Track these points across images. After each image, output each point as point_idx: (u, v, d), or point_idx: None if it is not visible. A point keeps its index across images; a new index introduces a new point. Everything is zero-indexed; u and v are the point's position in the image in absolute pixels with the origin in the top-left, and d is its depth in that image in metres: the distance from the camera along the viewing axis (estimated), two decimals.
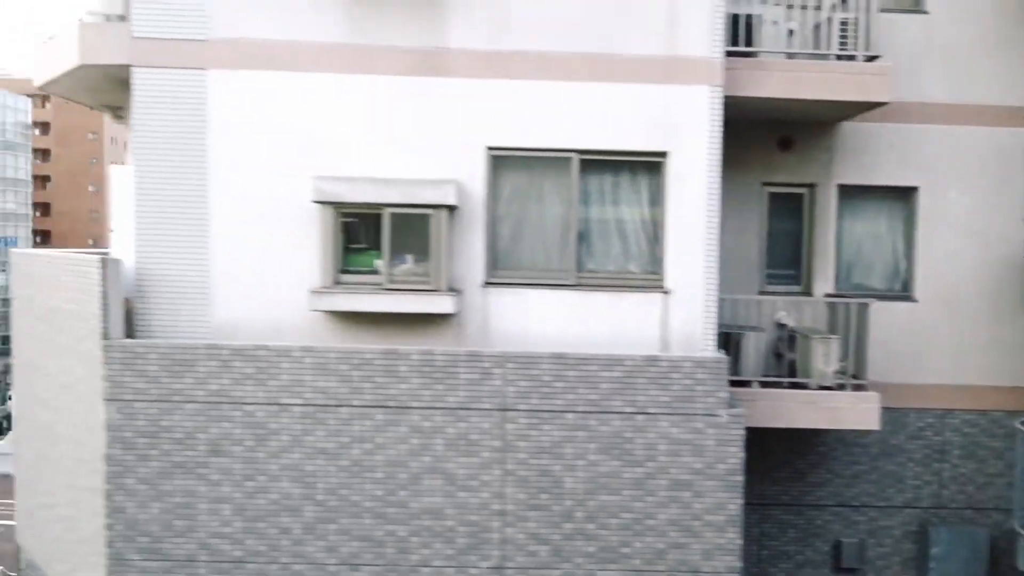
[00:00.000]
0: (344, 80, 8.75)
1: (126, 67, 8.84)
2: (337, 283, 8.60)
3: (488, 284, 8.86)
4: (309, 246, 8.80)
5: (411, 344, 8.68)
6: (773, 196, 10.81)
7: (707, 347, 8.87)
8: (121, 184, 8.94)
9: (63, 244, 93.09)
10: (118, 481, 8.47)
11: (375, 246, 8.71)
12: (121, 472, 8.47)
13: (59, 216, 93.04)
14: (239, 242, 8.80)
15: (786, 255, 10.94)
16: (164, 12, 8.68)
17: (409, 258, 8.66)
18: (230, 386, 8.43)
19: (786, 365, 10.28)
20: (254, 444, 8.47)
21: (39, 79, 9.88)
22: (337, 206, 8.55)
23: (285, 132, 8.77)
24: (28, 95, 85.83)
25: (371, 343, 8.71)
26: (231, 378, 8.43)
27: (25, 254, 10.61)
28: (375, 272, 8.66)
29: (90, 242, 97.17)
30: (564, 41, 8.74)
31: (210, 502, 8.50)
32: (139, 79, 8.71)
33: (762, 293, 10.72)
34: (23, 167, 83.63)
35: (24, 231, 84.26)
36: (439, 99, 8.75)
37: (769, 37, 9.80)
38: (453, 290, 8.65)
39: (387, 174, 8.72)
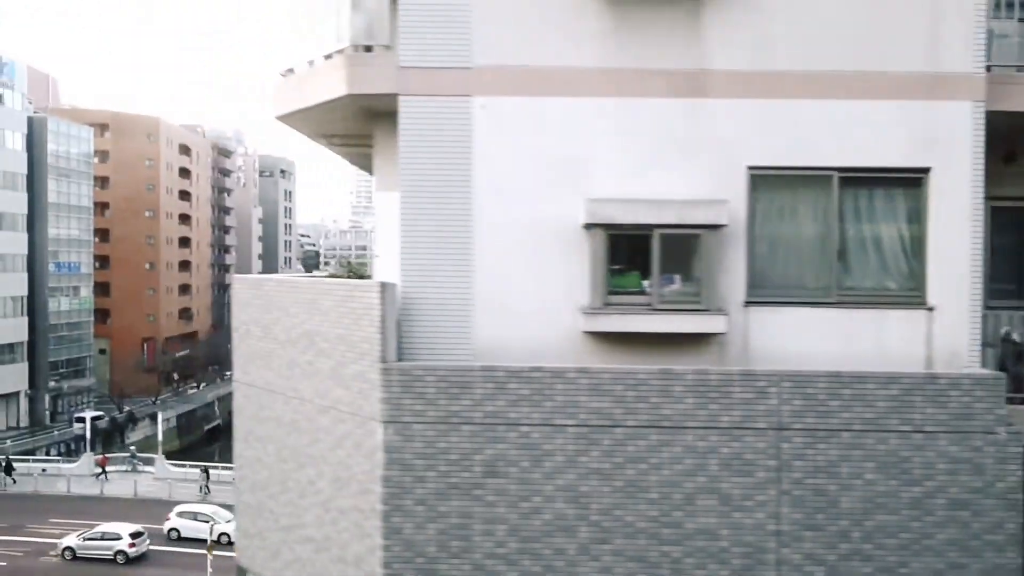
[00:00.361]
0: (606, 103, 8.87)
1: (383, 96, 9.06)
2: (607, 304, 8.67)
3: (749, 303, 8.88)
4: (571, 268, 8.90)
5: (671, 364, 8.71)
6: (996, 210, 10.69)
7: (972, 363, 8.80)
8: (386, 210, 9.11)
9: (121, 269, 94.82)
10: (396, 502, 8.57)
11: (638, 267, 8.79)
12: (399, 493, 8.57)
13: (117, 242, 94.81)
14: (502, 265, 8.93)
15: (1009, 269, 10.83)
16: (430, 41, 8.87)
17: (676, 278, 8.72)
18: (505, 407, 8.51)
19: (1014, 380, 10.14)
20: (529, 465, 8.53)
21: (279, 110, 10.11)
22: (607, 228, 8.64)
23: (548, 156, 8.90)
24: (90, 124, 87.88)
25: (631, 363, 8.76)
26: (506, 399, 8.51)
27: (256, 280, 10.84)
28: (642, 293, 8.73)
29: (147, 266, 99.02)
30: (824, 60, 8.79)
31: (485, 523, 8.56)
32: (406, 107, 8.90)
33: (987, 308, 10.59)
34: (85, 194, 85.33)
35: (86, 257, 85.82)
36: (701, 120, 8.84)
37: (1003, 51, 9.77)
38: (720, 310, 8.68)
39: (648, 195, 8.80)
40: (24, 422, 75.75)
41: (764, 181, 8.89)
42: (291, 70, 10.04)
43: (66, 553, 37.22)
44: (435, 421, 8.53)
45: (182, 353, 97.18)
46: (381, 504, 8.58)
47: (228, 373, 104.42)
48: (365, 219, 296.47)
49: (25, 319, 76.12)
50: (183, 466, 56.28)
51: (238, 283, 11.12)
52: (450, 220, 8.94)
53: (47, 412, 78.25)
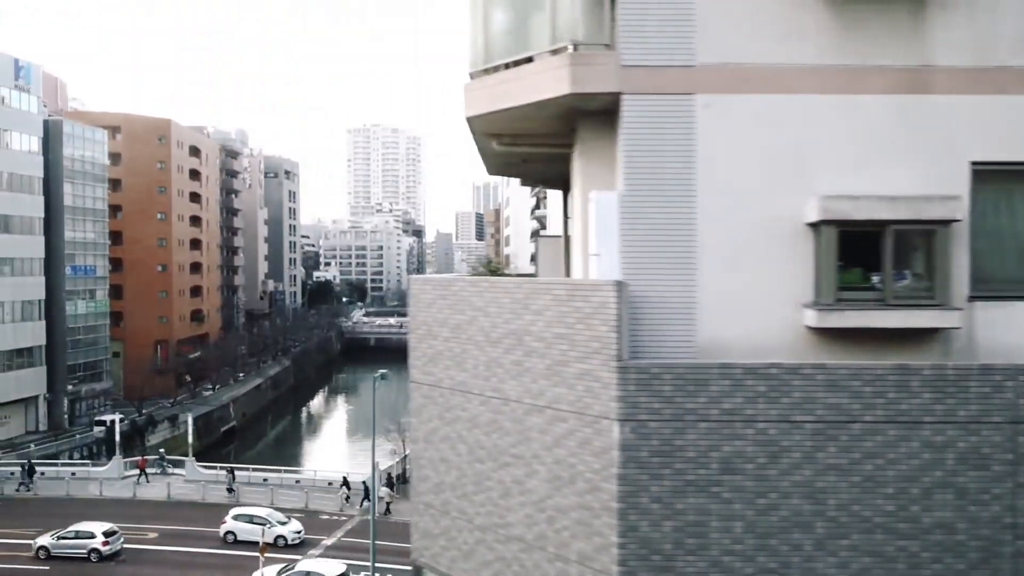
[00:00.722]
0: (828, 100, 8.90)
1: (601, 95, 9.08)
2: (839, 300, 8.70)
3: (973, 298, 8.92)
4: (792, 264, 8.93)
5: (894, 359, 8.75)
6: None
7: None
8: (605, 208, 9.11)
9: (134, 272, 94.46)
10: (631, 500, 8.59)
11: (861, 263, 8.83)
12: (635, 491, 8.58)
13: (129, 244, 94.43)
14: (725, 262, 8.95)
15: None
16: (652, 40, 8.89)
17: (907, 273, 8.76)
18: (742, 404, 8.54)
19: None
20: (766, 461, 8.56)
21: (475, 109, 10.09)
22: (839, 224, 8.67)
23: (771, 154, 8.93)
24: (101, 127, 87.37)
25: (854, 359, 8.78)
26: (743, 396, 8.54)
27: (443, 280, 10.83)
28: (870, 288, 8.77)
29: (159, 268, 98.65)
30: None
31: (722, 520, 8.59)
32: (628, 106, 8.92)
33: None
34: (100, 197, 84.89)
35: (101, 260, 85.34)
36: (923, 116, 8.87)
37: None
38: (953, 305, 8.72)
39: (871, 191, 8.83)
40: (43, 426, 75.40)
41: (987, 176, 8.93)
42: (485, 70, 10.03)
43: (40, 552, 37.30)
44: (671, 419, 8.55)
45: (194, 355, 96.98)
46: (616, 502, 8.60)
47: (240, 375, 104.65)
48: (364, 219, 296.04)
49: (43, 323, 75.75)
50: (213, 468, 56.16)
51: (418, 283, 11.10)
52: (672, 217, 8.96)
53: (65, 416, 77.90)
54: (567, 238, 15.48)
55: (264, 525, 36.40)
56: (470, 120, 10.40)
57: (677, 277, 8.96)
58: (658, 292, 8.96)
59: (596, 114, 9.57)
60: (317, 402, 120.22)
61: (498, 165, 14.90)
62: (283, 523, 38.63)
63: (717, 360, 8.66)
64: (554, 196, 57.98)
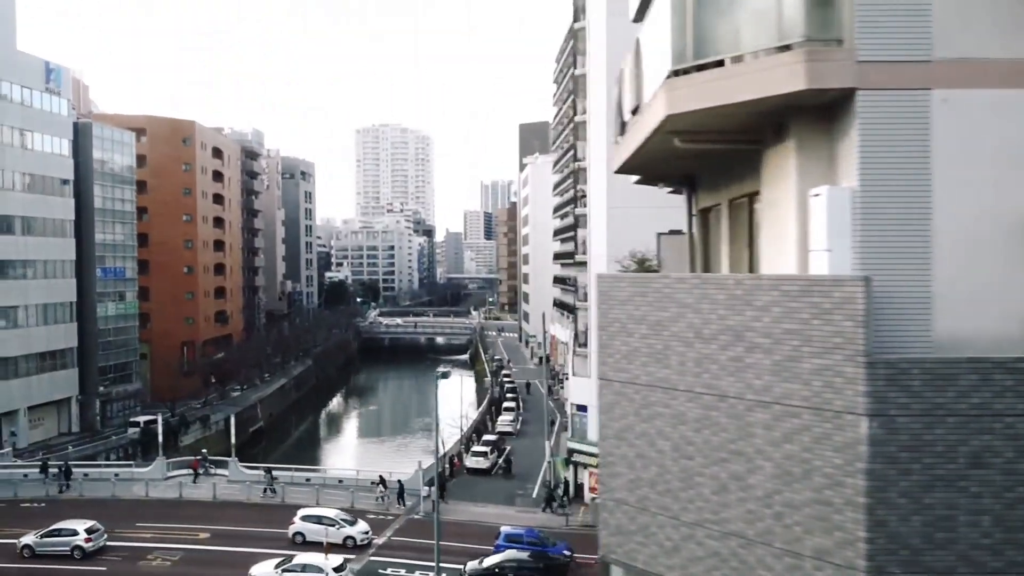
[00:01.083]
0: None
1: (828, 91, 9.08)
2: None
3: None
4: None
5: None
6: None
7: None
8: (837, 204, 9.10)
9: (161, 273, 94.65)
10: (880, 495, 8.59)
11: None
12: (883, 486, 8.59)
13: (155, 246, 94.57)
14: (961, 257, 8.96)
15: None
16: (888, 35, 8.89)
17: None
18: (991, 398, 8.54)
19: None
20: (1014, 456, 8.56)
21: (681, 106, 10.08)
22: None
23: (1010, 148, 8.92)
24: (128, 129, 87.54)
25: None
26: (991, 391, 8.53)
27: (641, 278, 10.85)
28: None
29: (184, 270, 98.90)
30: None
31: (970, 514, 8.59)
32: (863, 102, 8.92)
33: None
34: (128, 199, 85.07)
35: (131, 262, 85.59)
36: None
37: None
38: None
39: None
40: (75, 427, 75.67)
41: None
42: (696, 68, 10.00)
43: (24, 551, 37.56)
44: (920, 413, 8.55)
45: (219, 356, 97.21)
46: (864, 497, 8.60)
47: (266, 375, 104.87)
48: (375, 219, 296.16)
49: (75, 325, 76.01)
50: (256, 468, 56.29)
51: (609, 280, 11.12)
52: (908, 212, 8.97)
53: (97, 417, 78.14)
54: (691, 236, 15.51)
55: (332, 526, 36.46)
56: (669, 118, 10.39)
57: (913, 272, 8.96)
58: (893, 287, 8.96)
59: (813, 110, 9.56)
60: (339, 402, 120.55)
61: (633, 163, 14.87)
62: (351, 523, 38.70)
63: (965, 354, 8.66)
64: (596, 193, 57.71)
